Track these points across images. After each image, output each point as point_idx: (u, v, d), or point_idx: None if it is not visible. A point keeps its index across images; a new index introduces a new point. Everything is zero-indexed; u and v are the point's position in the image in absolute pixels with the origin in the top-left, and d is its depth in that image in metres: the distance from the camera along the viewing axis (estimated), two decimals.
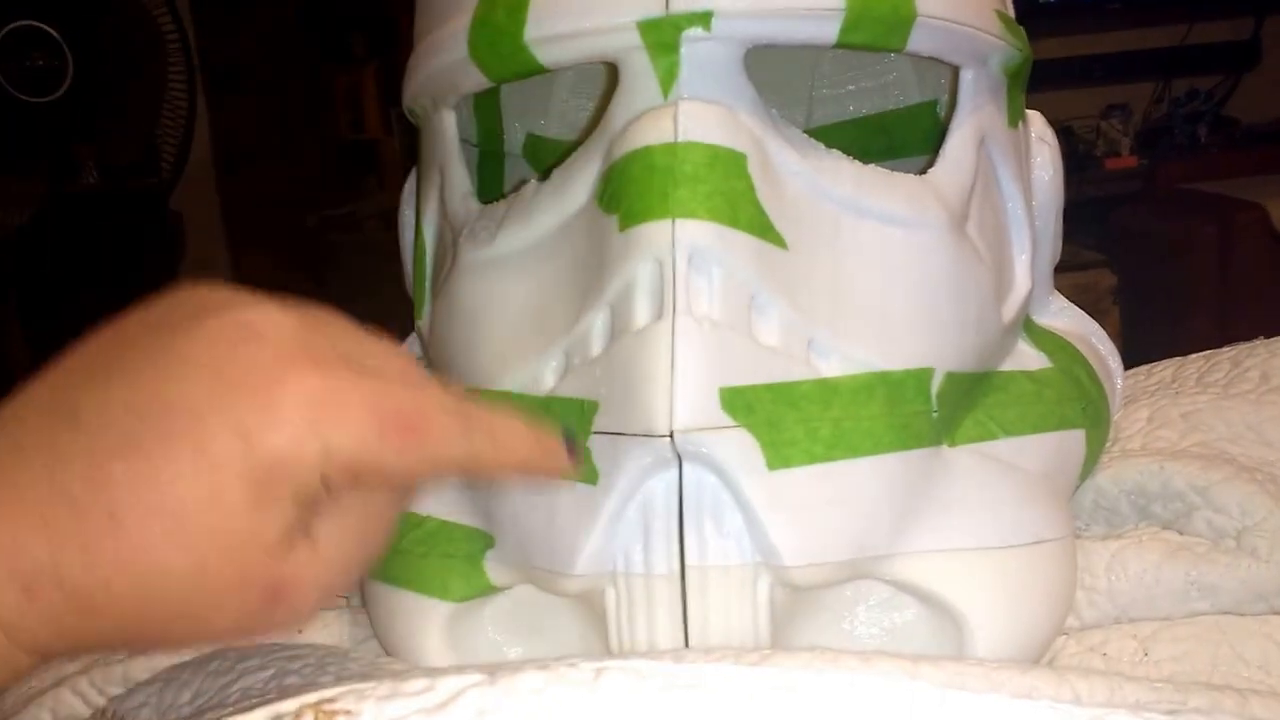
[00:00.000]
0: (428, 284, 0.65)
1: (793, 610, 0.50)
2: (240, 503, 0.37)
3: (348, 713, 0.35)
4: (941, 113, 0.75)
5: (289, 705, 0.36)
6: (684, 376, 0.47)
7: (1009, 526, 0.53)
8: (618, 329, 0.50)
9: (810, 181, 0.53)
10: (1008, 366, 0.60)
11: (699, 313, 0.48)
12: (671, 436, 0.47)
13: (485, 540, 0.54)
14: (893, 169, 0.55)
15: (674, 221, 0.49)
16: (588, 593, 0.51)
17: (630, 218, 0.50)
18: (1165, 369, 0.79)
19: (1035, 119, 0.67)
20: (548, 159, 0.76)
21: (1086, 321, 0.70)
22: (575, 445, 0.45)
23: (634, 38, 0.52)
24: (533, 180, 0.57)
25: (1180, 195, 2.81)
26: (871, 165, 0.55)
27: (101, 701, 0.58)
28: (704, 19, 0.51)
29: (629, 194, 0.50)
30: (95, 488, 0.37)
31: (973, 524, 0.52)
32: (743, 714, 0.35)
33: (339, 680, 0.50)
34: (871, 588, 0.52)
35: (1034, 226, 0.64)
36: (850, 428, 0.50)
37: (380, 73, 3.83)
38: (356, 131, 3.97)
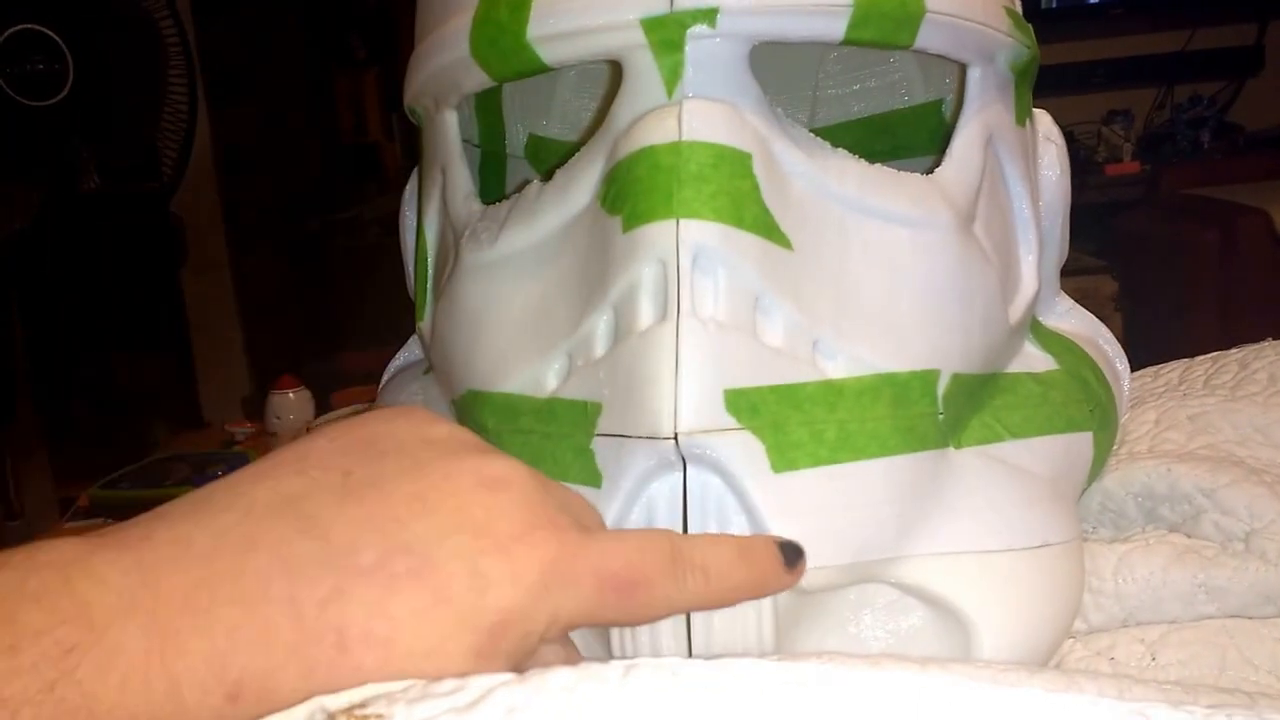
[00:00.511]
0: (429, 286, 0.65)
1: (798, 614, 0.50)
2: (463, 651, 0.37)
3: (380, 715, 0.34)
4: (947, 112, 0.75)
5: (329, 704, 0.35)
6: (688, 378, 0.47)
7: (1015, 529, 0.53)
8: (621, 330, 0.50)
9: (815, 181, 0.52)
10: (1014, 368, 0.60)
11: (704, 314, 0.48)
12: (676, 439, 0.46)
13: None
14: (899, 169, 0.55)
15: (678, 222, 0.48)
16: None
17: (634, 218, 0.50)
18: (1172, 371, 0.79)
19: (1042, 118, 0.67)
20: (550, 159, 0.76)
21: (1093, 323, 0.69)
22: (792, 553, 0.46)
23: (638, 35, 0.51)
24: (535, 181, 0.57)
25: (1182, 201, 2.81)
26: (877, 165, 0.54)
27: None
28: (709, 16, 0.51)
29: (633, 194, 0.50)
30: (329, 607, 0.36)
31: (979, 527, 0.52)
32: (774, 712, 0.34)
33: None
34: (877, 591, 0.52)
35: (1041, 227, 0.63)
36: (856, 430, 0.50)
37: (381, 76, 3.84)
38: (358, 136, 3.98)
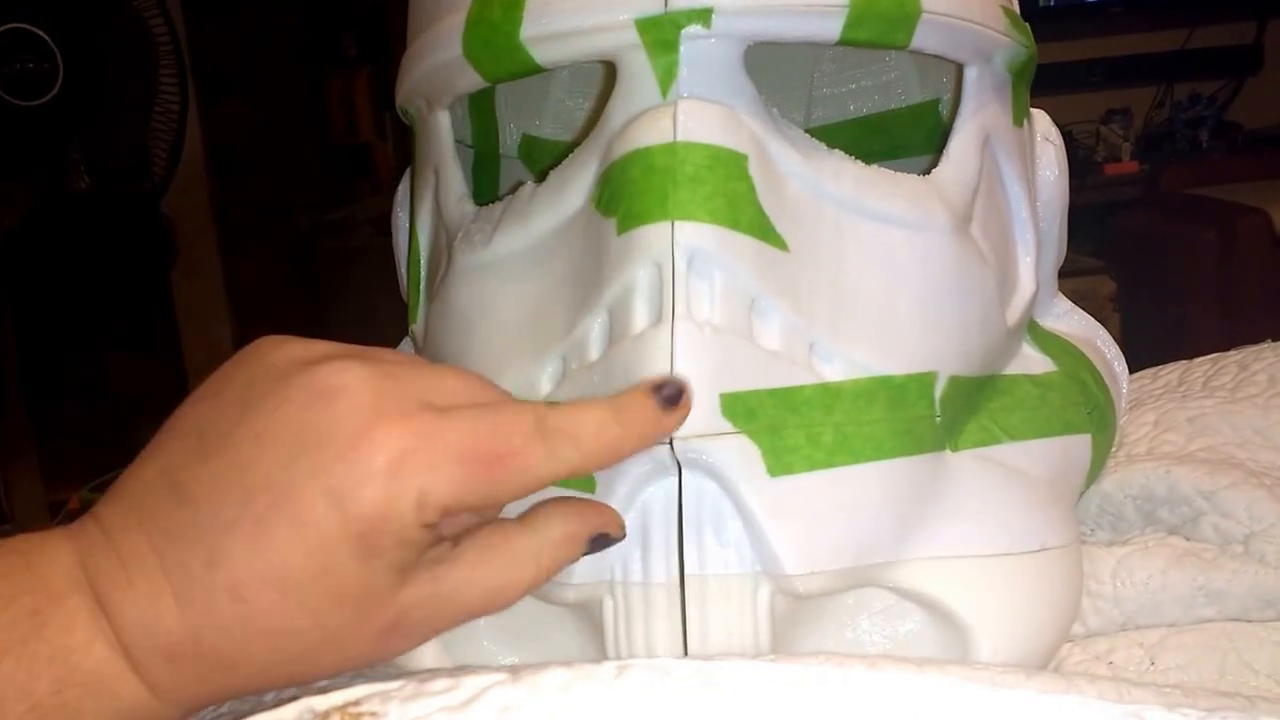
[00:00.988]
0: (422, 288, 0.64)
1: (794, 619, 0.50)
2: (347, 562, 0.41)
3: (373, 714, 0.35)
4: (944, 112, 0.74)
5: (318, 704, 0.36)
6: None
7: (1013, 533, 0.52)
8: (616, 334, 0.49)
9: (811, 182, 0.52)
10: (1012, 370, 0.60)
11: (699, 317, 0.47)
12: (671, 443, 0.46)
13: None
14: (895, 169, 0.54)
15: (673, 224, 0.48)
16: (585, 602, 0.50)
17: (629, 220, 0.49)
18: (1171, 372, 0.79)
19: (1040, 118, 0.66)
20: (543, 160, 0.75)
21: (1091, 324, 0.69)
22: (670, 393, 0.46)
23: (632, 36, 0.51)
24: (529, 182, 0.56)
25: (1181, 201, 2.80)
26: (874, 165, 0.54)
27: None
28: (704, 16, 0.50)
29: (627, 196, 0.50)
30: (213, 565, 0.40)
31: (976, 530, 0.52)
32: (769, 712, 0.34)
33: (335, 681, 0.49)
34: (874, 595, 0.52)
35: (1039, 228, 0.63)
36: (853, 433, 0.49)
37: (373, 76, 3.84)
38: (350, 136, 3.98)
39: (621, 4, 0.51)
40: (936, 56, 0.57)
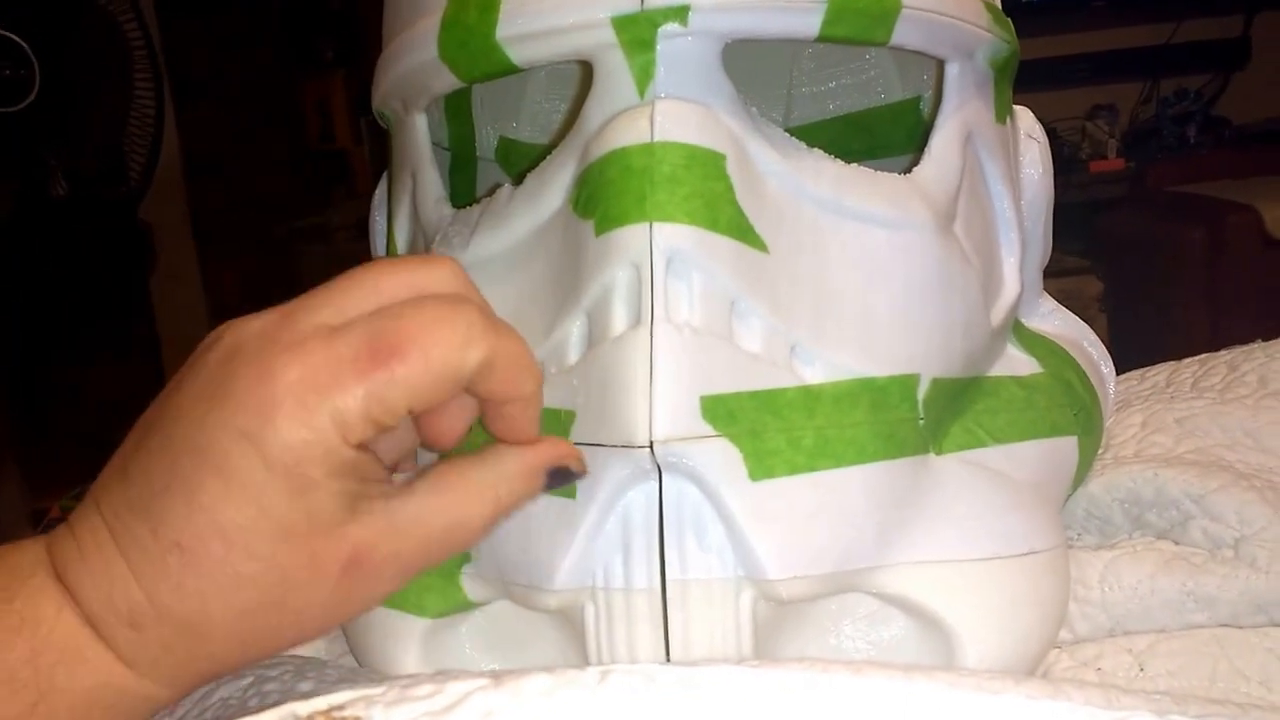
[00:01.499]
0: None
1: (777, 625, 0.49)
2: (279, 499, 0.41)
3: (357, 718, 0.35)
4: (925, 109, 0.74)
5: (300, 709, 0.36)
6: (663, 385, 0.46)
7: (998, 537, 0.52)
8: (595, 337, 0.49)
9: (791, 182, 0.51)
10: (996, 371, 0.59)
11: (678, 319, 0.47)
12: (651, 447, 0.46)
13: (462, 555, 0.53)
14: (876, 168, 0.54)
15: (651, 225, 0.48)
16: (567, 608, 0.50)
17: (606, 222, 0.49)
18: (1159, 373, 0.78)
19: (1024, 115, 0.66)
20: (521, 163, 0.75)
21: (1077, 324, 0.68)
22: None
23: (608, 34, 0.50)
24: (506, 185, 0.56)
25: (1169, 198, 2.79)
26: (854, 165, 0.53)
27: None
28: (680, 14, 0.50)
29: (605, 197, 0.49)
30: (157, 531, 0.41)
31: (961, 534, 0.51)
32: (752, 717, 0.34)
33: (318, 686, 0.50)
34: (858, 601, 0.51)
35: (1023, 227, 0.62)
36: (834, 436, 0.49)
37: (350, 80, 3.83)
38: (326, 142, 3.97)
39: (597, 2, 0.50)
40: (917, 53, 0.56)
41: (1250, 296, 2.40)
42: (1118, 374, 0.73)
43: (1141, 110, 3.39)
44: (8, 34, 1.78)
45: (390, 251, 0.64)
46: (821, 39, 0.52)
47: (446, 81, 0.56)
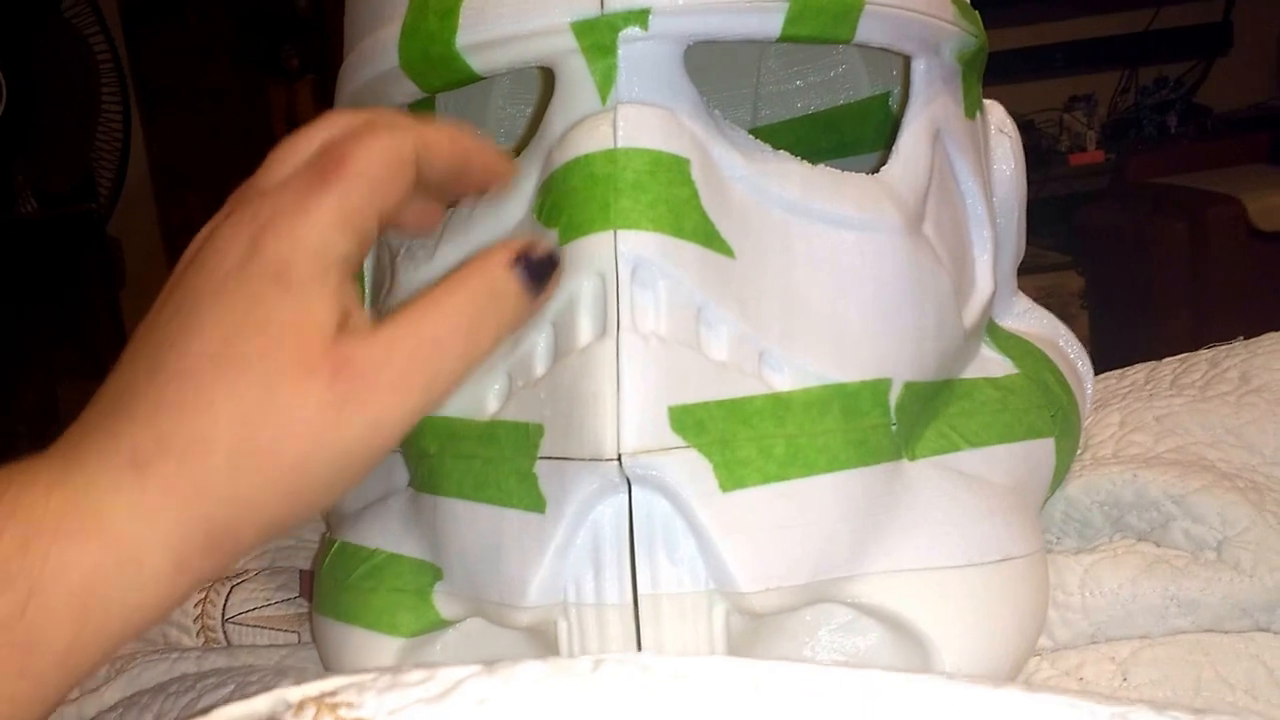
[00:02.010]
0: (367, 306, 0.63)
1: (750, 637, 0.49)
2: (270, 296, 0.42)
3: (349, 704, 0.35)
4: (894, 106, 0.73)
5: (292, 695, 0.36)
6: (630, 396, 0.45)
7: (974, 543, 0.51)
8: (561, 349, 0.49)
9: (756, 186, 0.51)
10: (970, 373, 0.59)
11: (645, 328, 0.46)
12: (620, 460, 0.45)
13: (434, 573, 0.53)
14: (844, 167, 0.53)
15: (615, 233, 0.47)
16: (539, 625, 0.49)
17: (570, 231, 0.48)
18: (1138, 372, 0.77)
19: (994, 109, 0.65)
20: None
21: (1053, 323, 0.68)
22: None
23: (569, 40, 0.50)
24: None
25: (1150, 190, 2.78)
26: (821, 166, 0.53)
27: None
28: (640, 17, 0.49)
29: (569, 205, 0.49)
30: (153, 372, 0.42)
31: (935, 542, 0.51)
32: (745, 705, 0.34)
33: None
34: (832, 611, 0.51)
35: (995, 224, 0.62)
36: (806, 444, 0.48)
37: (317, 87, 3.80)
38: None
39: (557, 7, 0.50)
40: (883, 50, 0.56)
41: (1235, 289, 2.40)
42: (1099, 372, 0.72)
43: (1121, 100, 3.36)
44: None
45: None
46: (784, 39, 0.52)
47: (408, 91, 0.55)
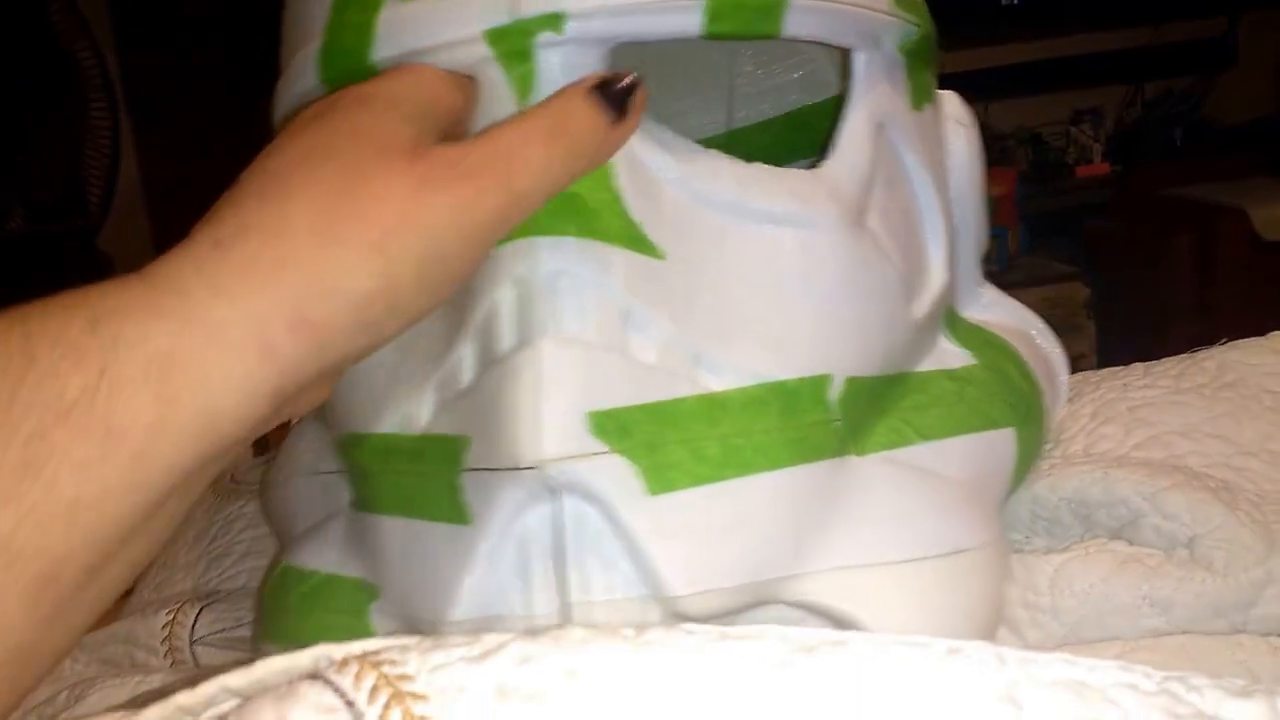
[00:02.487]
0: None
1: None
2: (360, 114, 0.46)
3: (392, 662, 0.35)
4: None
5: (335, 651, 0.36)
6: (549, 403, 0.44)
7: (924, 537, 0.50)
8: (485, 359, 0.48)
9: (688, 186, 0.50)
10: (926, 366, 0.57)
11: (568, 334, 0.45)
12: (542, 467, 0.44)
13: (370, 593, 0.52)
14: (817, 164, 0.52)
15: (533, 240, 0.46)
16: None
17: None
18: (1115, 370, 0.75)
19: (949, 100, 0.64)
20: None
21: (1022, 313, 0.66)
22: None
23: (483, 49, 0.49)
24: None
25: (1156, 202, 2.78)
26: (755, 163, 0.51)
27: None
28: (554, 22, 0.48)
29: None
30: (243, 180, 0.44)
31: (882, 536, 0.49)
32: (784, 673, 0.34)
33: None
34: (776, 613, 0.49)
35: (950, 215, 0.60)
36: (742, 444, 0.47)
37: None
38: None
39: (470, 17, 0.49)
40: (818, 44, 0.55)
41: (1241, 299, 2.39)
42: None
43: (1127, 113, 3.37)
44: None
45: None
46: (709, 36, 0.50)
47: None
